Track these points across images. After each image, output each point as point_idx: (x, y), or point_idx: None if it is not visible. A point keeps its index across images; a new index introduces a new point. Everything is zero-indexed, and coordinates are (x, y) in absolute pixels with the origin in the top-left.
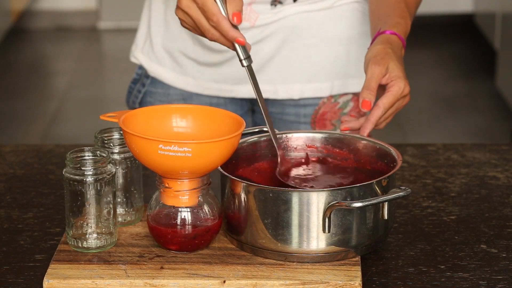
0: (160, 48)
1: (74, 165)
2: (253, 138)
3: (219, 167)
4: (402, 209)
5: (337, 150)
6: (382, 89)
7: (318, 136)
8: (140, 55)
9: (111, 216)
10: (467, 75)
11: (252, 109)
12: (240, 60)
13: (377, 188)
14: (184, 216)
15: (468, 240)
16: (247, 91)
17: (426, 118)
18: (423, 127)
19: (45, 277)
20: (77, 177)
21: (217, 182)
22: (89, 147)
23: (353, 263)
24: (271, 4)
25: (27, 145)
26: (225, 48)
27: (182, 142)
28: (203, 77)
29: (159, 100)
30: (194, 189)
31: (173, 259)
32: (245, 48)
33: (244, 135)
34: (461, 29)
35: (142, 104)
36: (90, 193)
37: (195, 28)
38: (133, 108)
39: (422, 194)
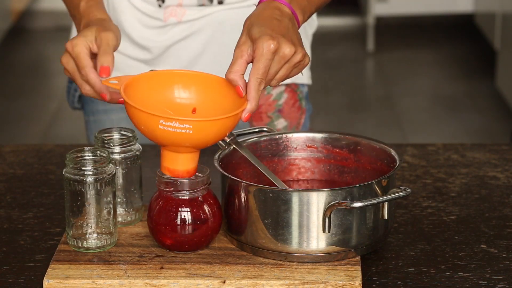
0: None
1: (74, 165)
2: (253, 138)
3: (219, 167)
4: (402, 209)
5: (337, 150)
6: None
7: (318, 136)
8: None
9: (111, 216)
10: (467, 75)
11: None
12: None
13: (377, 188)
14: (184, 216)
15: (468, 240)
16: None
17: (426, 118)
18: (423, 127)
19: (45, 277)
20: (77, 177)
21: (217, 182)
22: (89, 147)
23: (353, 263)
24: (198, 5)
25: (27, 145)
26: (153, 44)
27: (183, 119)
28: (136, 73)
29: (92, 100)
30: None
31: (173, 259)
32: None
33: (244, 135)
34: (461, 29)
35: (81, 103)
36: (90, 193)
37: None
38: (74, 107)
39: (422, 194)
